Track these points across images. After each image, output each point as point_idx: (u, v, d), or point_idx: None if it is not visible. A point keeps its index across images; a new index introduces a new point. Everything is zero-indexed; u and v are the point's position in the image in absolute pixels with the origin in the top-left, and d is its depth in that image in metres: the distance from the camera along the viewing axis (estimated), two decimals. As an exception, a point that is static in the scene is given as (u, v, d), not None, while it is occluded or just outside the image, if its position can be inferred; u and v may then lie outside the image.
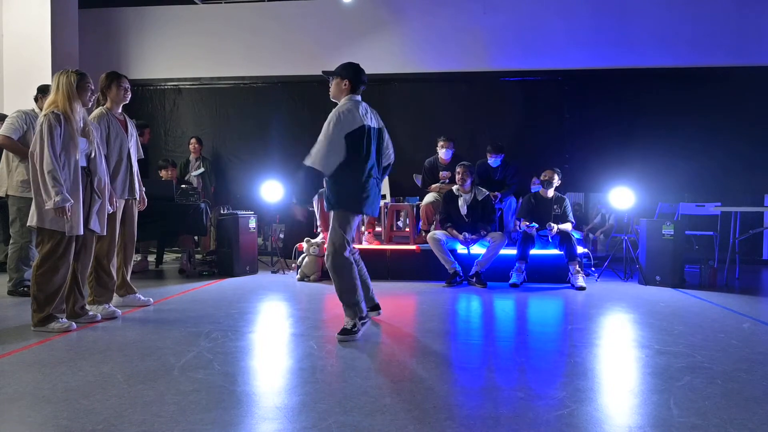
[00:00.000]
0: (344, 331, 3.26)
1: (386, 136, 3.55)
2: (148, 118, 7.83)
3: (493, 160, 6.18)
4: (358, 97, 3.38)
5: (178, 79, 8.16)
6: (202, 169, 7.10)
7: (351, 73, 3.36)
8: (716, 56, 7.21)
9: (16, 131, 4.33)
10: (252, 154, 7.96)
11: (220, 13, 8.04)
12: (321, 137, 3.20)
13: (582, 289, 5.06)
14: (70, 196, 3.25)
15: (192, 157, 7.22)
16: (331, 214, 3.36)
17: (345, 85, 3.35)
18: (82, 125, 3.40)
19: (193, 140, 7.24)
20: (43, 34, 6.53)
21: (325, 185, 3.37)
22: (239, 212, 5.89)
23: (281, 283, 5.37)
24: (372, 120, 3.37)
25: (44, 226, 3.26)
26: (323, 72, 3.51)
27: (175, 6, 8.08)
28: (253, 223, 6.04)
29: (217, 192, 7.44)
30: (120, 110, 3.99)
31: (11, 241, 4.56)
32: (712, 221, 6.21)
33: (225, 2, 8.00)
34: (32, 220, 3.30)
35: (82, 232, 3.35)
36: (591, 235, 7.68)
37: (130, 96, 4.03)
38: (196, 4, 7.95)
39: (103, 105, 3.93)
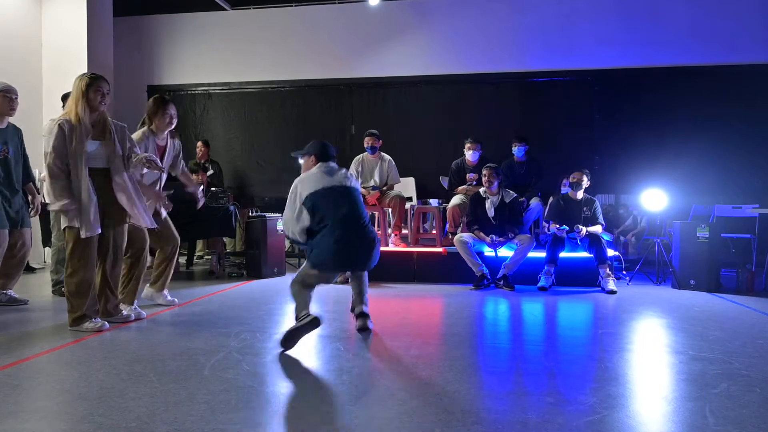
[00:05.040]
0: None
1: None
2: (180, 122, 7.94)
3: (517, 150, 6.24)
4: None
5: (209, 84, 8.33)
6: (211, 171, 7.18)
7: (315, 148, 3.45)
8: (751, 53, 7.00)
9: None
10: (279, 157, 8.06)
11: (249, 19, 8.18)
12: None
13: (613, 292, 4.96)
14: (79, 198, 3.32)
15: (200, 160, 7.25)
16: None
17: (312, 160, 3.44)
18: (90, 127, 3.39)
19: (199, 143, 7.30)
20: (80, 46, 6.76)
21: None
22: (267, 215, 5.96)
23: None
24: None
25: (65, 225, 3.35)
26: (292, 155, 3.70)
27: (206, 12, 8.25)
28: (280, 226, 6.11)
29: (239, 194, 7.52)
30: (164, 134, 4.07)
31: (52, 244, 4.74)
32: (750, 223, 6.00)
33: (254, 8, 8.12)
34: (63, 222, 3.40)
35: (98, 232, 3.39)
36: (622, 238, 7.52)
37: (175, 122, 4.09)
38: (226, 10, 8.10)
39: (148, 127, 4.01)
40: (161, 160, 4.02)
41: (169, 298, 4.28)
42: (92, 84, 3.39)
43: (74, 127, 3.33)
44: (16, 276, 4.33)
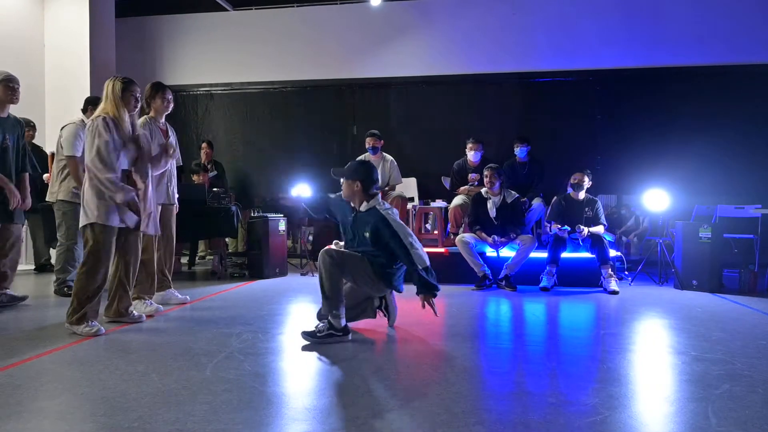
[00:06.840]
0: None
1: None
2: (182, 123, 8.01)
3: (519, 151, 6.22)
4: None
5: (210, 85, 8.34)
6: (214, 172, 7.18)
7: (362, 174, 3.36)
8: (754, 53, 6.98)
9: (78, 149, 4.44)
10: (281, 157, 8.06)
11: (250, 19, 8.18)
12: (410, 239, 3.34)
13: (615, 293, 4.96)
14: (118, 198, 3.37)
15: (204, 161, 7.26)
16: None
17: (357, 186, 3.36)
18: (131, 132, 3.48)
19: (204, 144, 7.30)
20: (82, 46, 6.78)
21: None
22: (269, 215, 5.97)
23: (310, 286, 5.41)
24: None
25: (91, 221, 3.32)
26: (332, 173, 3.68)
27: (207, 13, 8.26)
28: (282, 226, 6.11)
29: (241, 195, 7.51)
30: (163, 120, 4.18)
31: (58, 244, 4.71)
32: (752, 224, 5.99)
33: (256, 8, 8.13)
34: (83, 220, 3.37)
35: (132, 226, 3.47)
36: (624, 238, 7.51)
37: (172, 106, 4.23)
38: (227, 10, 8.11)
39: (147, 114, 4.13)
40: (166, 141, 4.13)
41: (179, 296, 4.36)
42: (127, 88, 3.45)
43: (119, 127, 3.38)
44: (13, 273, 4.32)
